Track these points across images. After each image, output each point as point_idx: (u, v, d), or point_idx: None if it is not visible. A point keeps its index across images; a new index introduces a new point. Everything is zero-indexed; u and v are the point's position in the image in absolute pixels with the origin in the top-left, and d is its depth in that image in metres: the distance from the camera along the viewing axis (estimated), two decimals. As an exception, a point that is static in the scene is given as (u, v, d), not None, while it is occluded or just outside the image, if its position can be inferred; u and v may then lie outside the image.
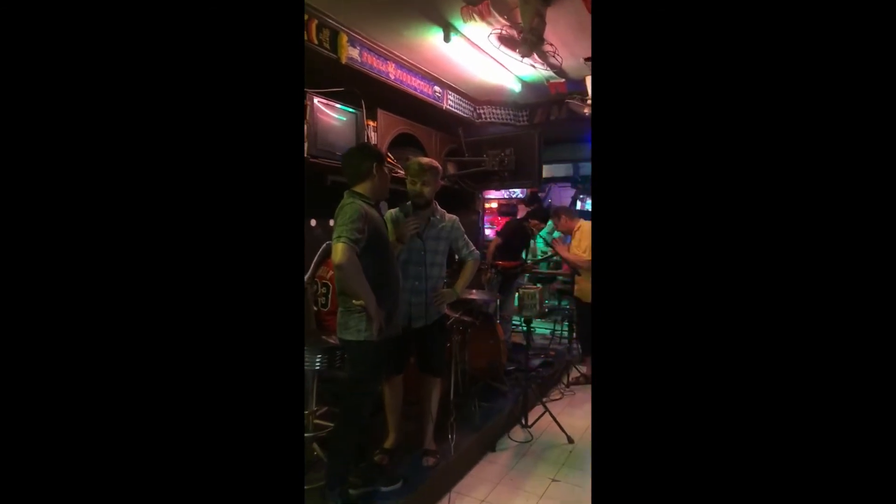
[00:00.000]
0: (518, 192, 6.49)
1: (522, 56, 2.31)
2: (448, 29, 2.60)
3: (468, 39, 2.77)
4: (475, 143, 3.95)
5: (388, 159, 2.04)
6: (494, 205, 5.81)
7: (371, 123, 3.17)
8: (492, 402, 2.98)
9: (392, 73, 3.05)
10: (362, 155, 1.91)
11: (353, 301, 1.80)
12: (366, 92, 3.01)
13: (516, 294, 3.10)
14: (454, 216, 2.33)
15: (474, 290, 2.77)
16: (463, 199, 4.27)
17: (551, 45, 2.35)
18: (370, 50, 2.84)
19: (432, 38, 2.76)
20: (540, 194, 6.70)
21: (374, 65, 2.90)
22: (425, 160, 2.19)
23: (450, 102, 3.67)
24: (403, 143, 3.57)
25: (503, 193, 6.38)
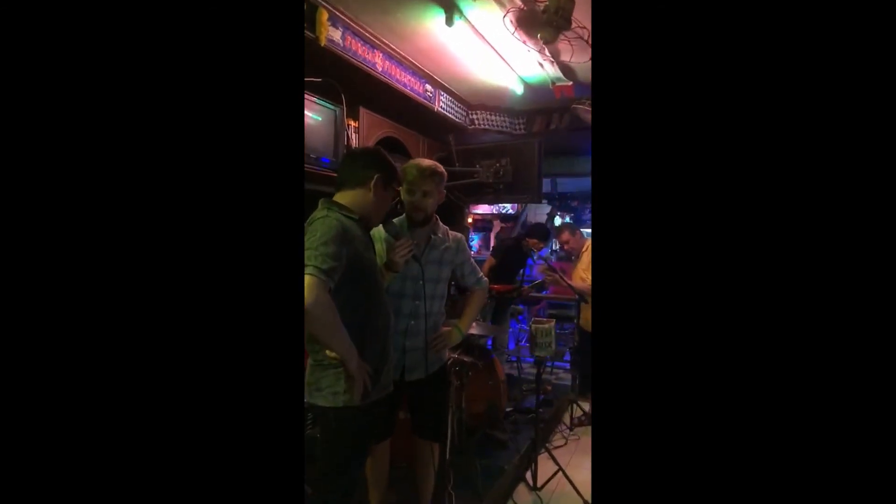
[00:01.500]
0: (508, 208, 6.15)
1: (544, 42, 1.90)
2: (452, 10, 2.17)
3: (473, 27, 2.34)
4: (467, 152, 3.52)
5: (396, 184, 1.53)
6: (469, 220, 5.44)
7: (352, 123, 2.70)
8: (492, 456, 2.50)
9: (380, 64, 2.59)
10: (366, 160, 1.44)
11: (327, 353, 1.30)
12: (347, 85, 2.54)
13: (509, 321, 2.65)
14: (458, 234, 1.84)
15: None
16: (451, 214, 3.82)
17: (582, 26, 1.95)
18: (355, 34, 2.38)
19: (431, 22, 2.32)
20: (511, 211, 6.43)
21: (360, 52, 2.43)
22: (426, 163, 1.67)
23: (442, 104, 3.23)
24: (387, 149, 3.10)
25: (491, 209, 6.01)
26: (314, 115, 2.41)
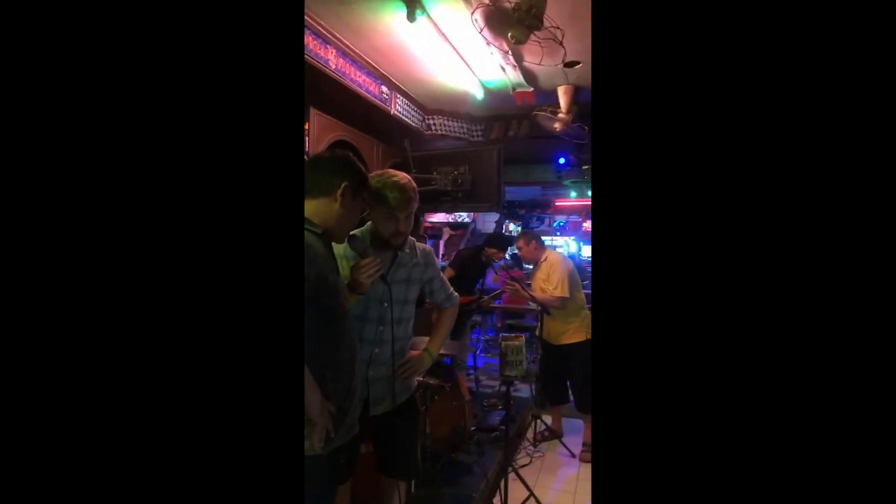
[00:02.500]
0: (465, 216, 6.06)
1: (515, 41, 1.78)
2: (414, 5, 2.01)
3: (435, 24, 2.20)
4: (424, 158, 3.36)
5: (366, 191, 1.30)
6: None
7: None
8: (458, 483, 2.34)
9: (333, 61, 2.38)
10: (332, 166, 1.23)
11: None
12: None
13: (471, 335, 2.50)
14: (426, 246, 1.65)
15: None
16: (406, 223, 3.65)
17: (556, 26, 1.84)
18: (306, 27, 2.16)
19: (391, 17, 2.15)
20: (468, 219, 6.37)
21: (311, 46, 2.22)
22: (404, 180, 1.42)
23: (398, 108, 3.06)
24: (340, 153, 2.90)
25: (442, 217, 5.89)
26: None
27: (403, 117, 3.15)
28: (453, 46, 2.42)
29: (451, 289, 1.71)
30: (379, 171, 1.47)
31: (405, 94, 3.11)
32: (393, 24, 2.20)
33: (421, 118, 3.40)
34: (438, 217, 5.96)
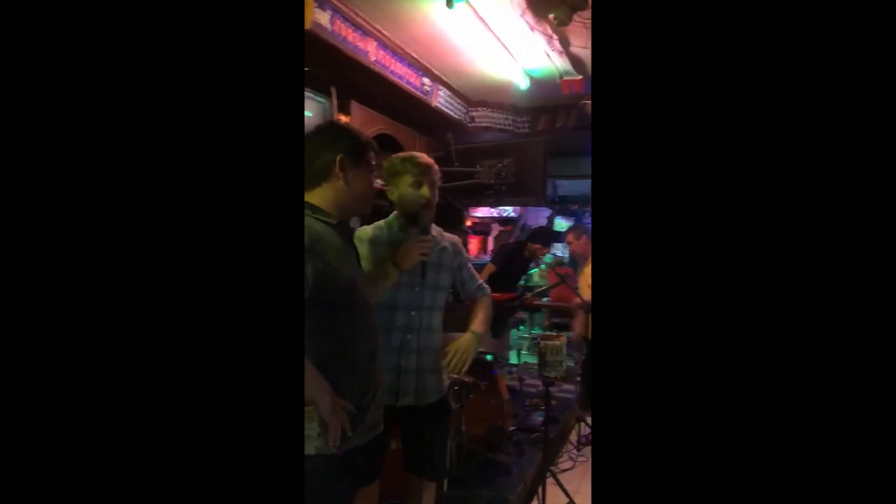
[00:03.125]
0: (510, 211, 5.95)
1: (558, 23, 1.68)
2: (452, -9, 1.95)
3: (475, 11, 2.12)
4: (467, 151, 3.32)
5: (371, 153, 1.19)
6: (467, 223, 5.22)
7: (343, 118, 2.48)
8: (494, 484, 2.27)
9: (373, 53, 2.37)
10: (322, 140, 1.13)
11: None
12: (337, 75, 2.32)
13: (513, 334, 2.43)
14: (455, 236, 1.62)
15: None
16: (449, 216, 3.60)
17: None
18: (345, 18, 2.16)
19: (430, 6, 2.10)
20: (514, 214, 6.22)
21: (350, 38, 2.21)
22: (420, 155, 1.48)
23: (441, 100, 3.02)
24: (379, 146, 2.89)
25: (490, 212, 5.81)
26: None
27: (446, 109, 3.10)
28: (494, 34, 2.33)
29: (481, 280, 1.66)
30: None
31: (447, 86, 3.06)
32: (433, 12, 2.15)
33: (464, 110, 3.34)
34: (485, 212, 5.88)
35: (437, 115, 3.05)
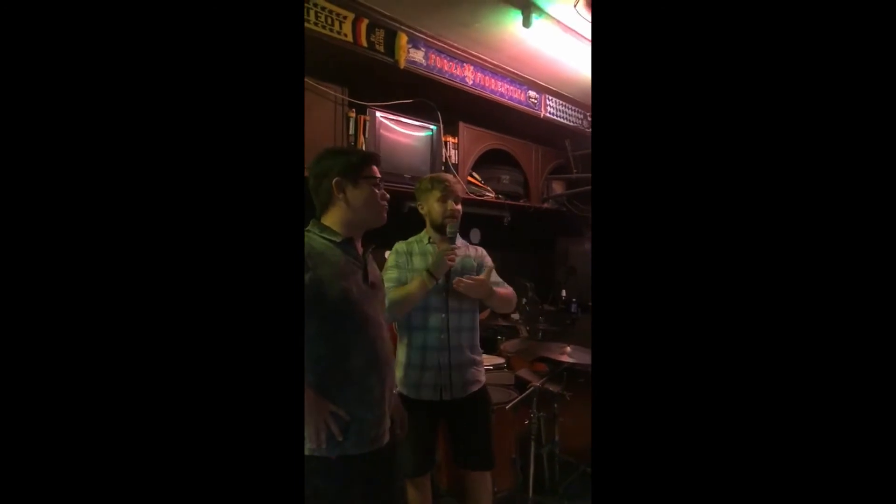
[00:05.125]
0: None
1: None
2: (529, 9, 2.01)
3: (557, 21, 2.14)
4: (586, 157, 3.25)
5: (371, 167, 1.26)
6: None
7: (451, 139, 2.70)
8: (586, 499, 2.20)
9: (470, 77, 2.54)
10: (320, 168, 1.21)
11: None
12: (441, 102, 2.55)
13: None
14: (479, 247, 1.82)
15: (568, 348, 2.06)
16: (570, 223, 3.55)
17: None
18: (439, 51, 2.38)
19: (511, 27, 2.19)
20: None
21: (446, 68, 2.42)
22: (445, 175, 1.79)
23: (549, 110, 3.03)
24: (493, 161, 3.03)
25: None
26: (408, 132, 2.48)
27: (557, 118, 3.09)
28: (585, 38, 2.29)
29: (509, 287, 1.75)
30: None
31: (557, 95, 3.05)
32: (517, 31, 2.23)
33: (581, 116, 3.27)
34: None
35: (549, 124, 3.07)
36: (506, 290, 1.71)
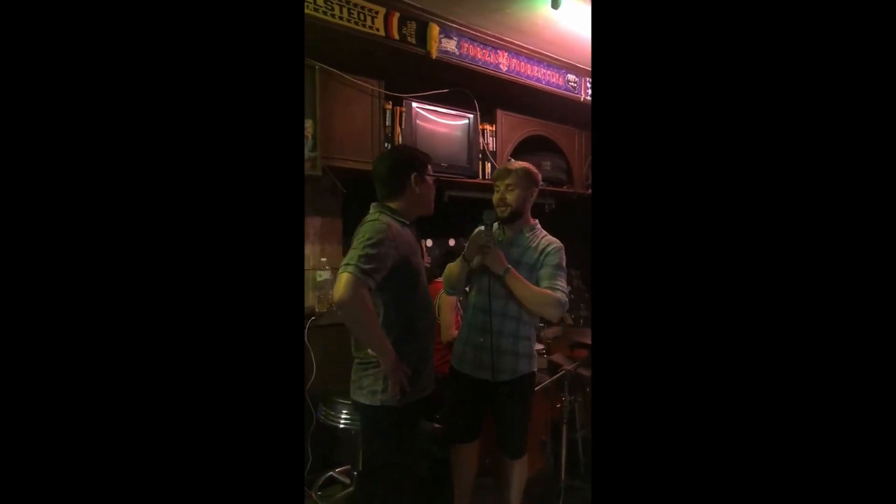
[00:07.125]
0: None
1: None
2: (555, -9, 1.99)
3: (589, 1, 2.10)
4: (632, 140, 3.14)
5: (430, 167, 1.56)
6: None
7: (488, 127, 2.72)
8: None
9: (504, 63, 2.55)
10: (394, 164, 1.47)
11: (368, 352, 1.38)
12: (477, 91, 2.58)
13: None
14: (557, 243, 1.67)
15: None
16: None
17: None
18: (471, 39, 2.40)
19: (541, 9, 2.17)
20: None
21: (480, 56, 2.45)
22: (515, 164, 1.77)
23: (590, 93, 2.96)
24: (535, 147, 3.01)
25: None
26: (445, 122, 2.54)
27: (600, 101, 3.02)
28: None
29: (561, 292, 1.61)
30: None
31: (599, 77, 2.97)
32: (548, 14, 2.21)
33: (627, 98, 3.17)
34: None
35: (589, 107, 3.00)
36: (541, 290, 1.60)
